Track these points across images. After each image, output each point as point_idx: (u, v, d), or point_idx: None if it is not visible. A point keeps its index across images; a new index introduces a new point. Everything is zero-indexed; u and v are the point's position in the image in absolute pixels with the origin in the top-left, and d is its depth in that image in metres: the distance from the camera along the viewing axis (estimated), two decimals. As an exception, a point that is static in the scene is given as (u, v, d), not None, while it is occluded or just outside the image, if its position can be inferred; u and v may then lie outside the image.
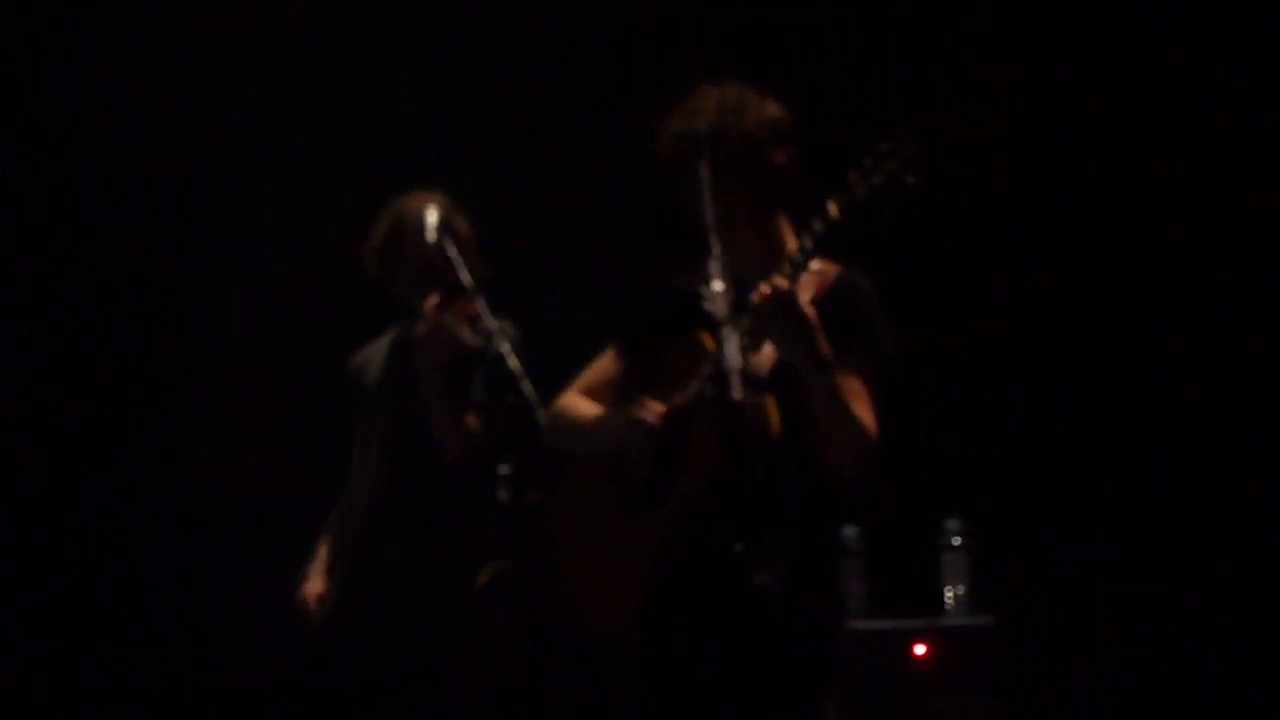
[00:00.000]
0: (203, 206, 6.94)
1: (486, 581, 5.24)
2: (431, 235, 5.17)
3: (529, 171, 6.69)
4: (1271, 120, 6.51)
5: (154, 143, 6.90)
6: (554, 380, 4.41)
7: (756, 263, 3.98)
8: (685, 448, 3.97)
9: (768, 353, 3.95)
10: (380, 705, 5.48)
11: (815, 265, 4.02)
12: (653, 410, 4.01)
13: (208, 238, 6.92)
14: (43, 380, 6.89)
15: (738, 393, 3.65)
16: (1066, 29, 6.59)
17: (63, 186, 6.70)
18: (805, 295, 3.91)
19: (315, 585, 5.55)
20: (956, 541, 6.15)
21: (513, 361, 4.72)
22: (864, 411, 3.93)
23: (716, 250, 3.82)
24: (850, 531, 6.06)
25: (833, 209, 3.85)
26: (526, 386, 4.67)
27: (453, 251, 5.12)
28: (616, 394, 4.18)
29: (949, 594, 6.15)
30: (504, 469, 4.73)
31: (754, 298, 3.84)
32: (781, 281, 3.84)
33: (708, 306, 3.77)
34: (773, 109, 4.13)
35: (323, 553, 5.60)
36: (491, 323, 4.92)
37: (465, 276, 5.08)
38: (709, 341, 3.92)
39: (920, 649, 5.97)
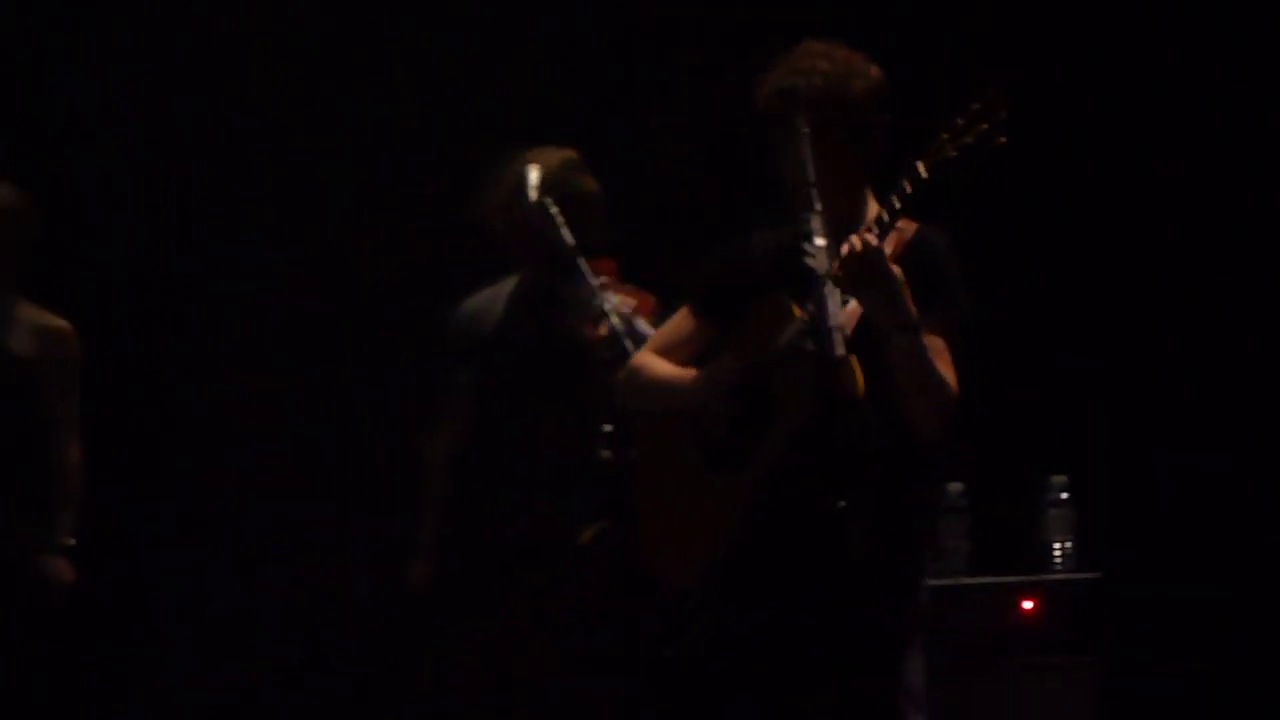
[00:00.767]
0: (203, 206, 6.94)
1: (589, 539, 5.22)
2: (533, 194, 5.14)
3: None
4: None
5: (154, 143, 6.90)
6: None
7: (841, 224, 3.92)
8: (767, 405, 3.95)
9: (851, 309, 3.90)
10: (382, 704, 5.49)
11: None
12: (734, 368, 4.00)
13: (208, 238, 6.92)
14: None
15: (840, 349, 3.66)
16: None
17: (63, 186, 6.70)
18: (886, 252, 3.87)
19: (421, 568, 5.48)
20: (1064, 496, 6.13)
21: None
22: (946, 370, 3.91)
23: (818, 206, 3.82)
24: (955, 489, 6.08)
25: (922, 169, 3.81)
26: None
27: (554, 210, 5.09)
28: (693, 353, 4.15)
29: (1056, 549, 6.10)
30: (607, 427, 4.71)
31: (843, 253, 3.79)
32: (872, 239, 3.79)
33: (810, 262, 3.76)
34: (876, 72, 4.10)
35: (429, 523, 5.49)
36: (592, 283, 4.91)
37: (567, 236, 5.06)
38: (792, 305, 3.90)
39: (1028, 604, 5.94)
